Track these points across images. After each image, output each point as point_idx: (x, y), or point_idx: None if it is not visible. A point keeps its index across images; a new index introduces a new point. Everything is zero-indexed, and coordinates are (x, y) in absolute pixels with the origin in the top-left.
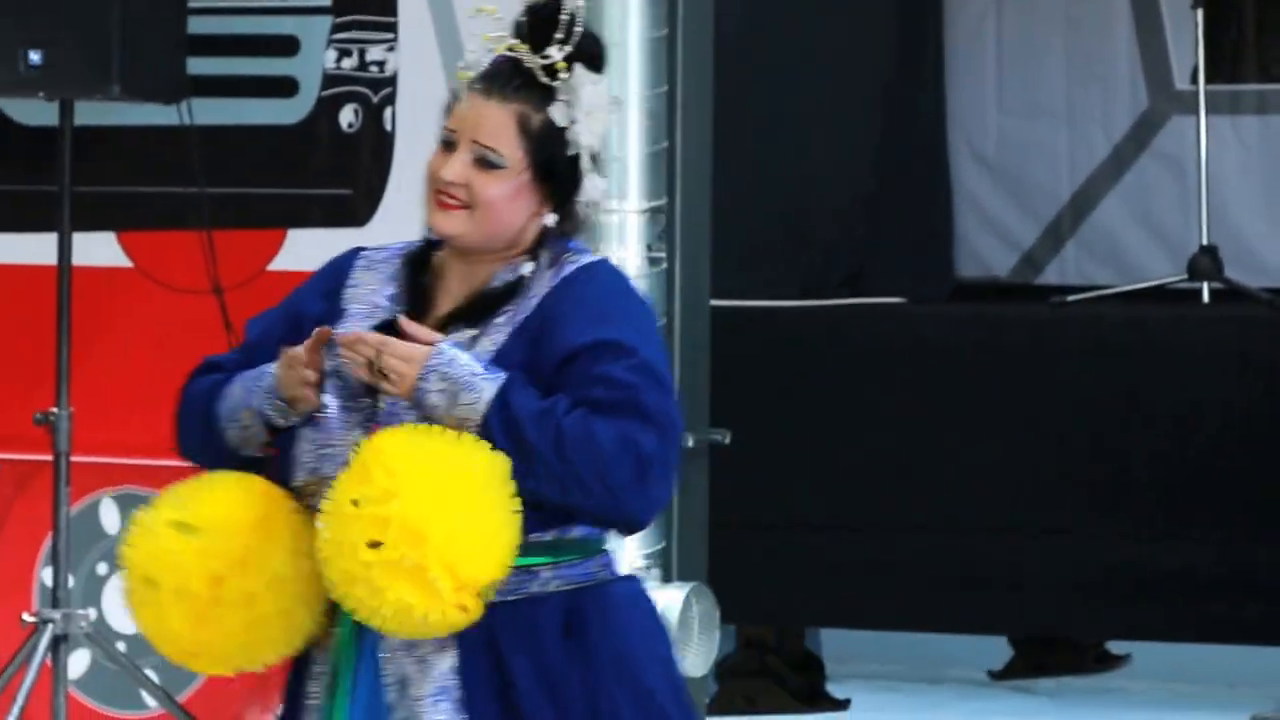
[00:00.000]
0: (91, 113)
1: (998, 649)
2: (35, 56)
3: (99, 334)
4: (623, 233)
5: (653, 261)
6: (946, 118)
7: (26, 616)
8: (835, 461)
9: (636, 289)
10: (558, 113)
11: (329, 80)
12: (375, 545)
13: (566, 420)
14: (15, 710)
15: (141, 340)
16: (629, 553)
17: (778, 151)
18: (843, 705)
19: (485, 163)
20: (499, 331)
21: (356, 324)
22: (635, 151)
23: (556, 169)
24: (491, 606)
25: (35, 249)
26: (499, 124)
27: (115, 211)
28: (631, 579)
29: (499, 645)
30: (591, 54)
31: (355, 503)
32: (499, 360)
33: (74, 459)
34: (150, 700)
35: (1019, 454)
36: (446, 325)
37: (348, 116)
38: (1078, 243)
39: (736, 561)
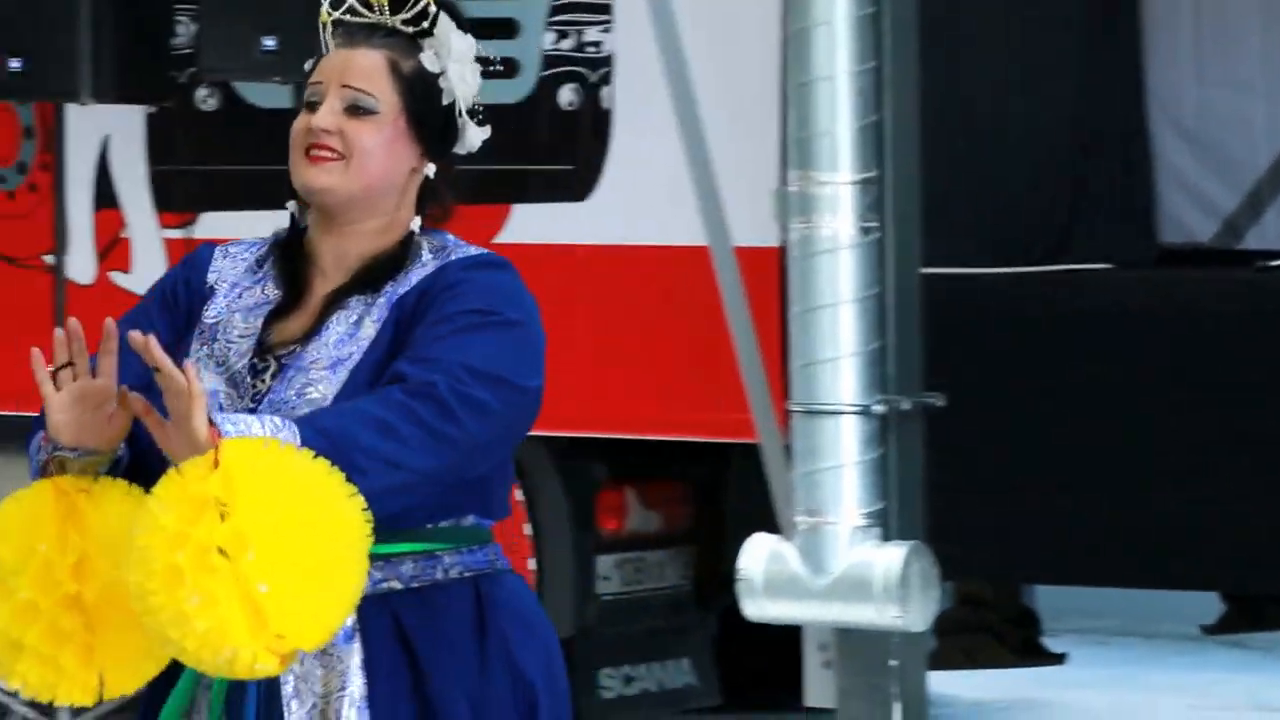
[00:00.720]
0: None
1: (1210, 604)
2: (269, 42)
3: None
4: (835, 204)
5: (865, 231)
6: (1145, 89)
7: None
8: (1047, 422)
9: (522, 287)
10: (428, 60)
11: (548, 60)
12: (221, 553)
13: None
14: None
15: None
16: (848, 513)
17: (981, 123)
18: (1058, 659)
19: (358, 108)
20: (378, 311)
21: (229, 302)
22: (846, 126)
23: (432, 116)
24: (397, 594)
25: (271, 225)
26: (369, 67)
27: None
28: (513, 571)
29: (409, 634)
30: (451, 8)
31: (222, 506)
32: (374, 348)
33: None
34: None
35: (1228, 414)
36: (332, 305)
37: (567, 95)
38: (1278, 210)
39: (954, 521)
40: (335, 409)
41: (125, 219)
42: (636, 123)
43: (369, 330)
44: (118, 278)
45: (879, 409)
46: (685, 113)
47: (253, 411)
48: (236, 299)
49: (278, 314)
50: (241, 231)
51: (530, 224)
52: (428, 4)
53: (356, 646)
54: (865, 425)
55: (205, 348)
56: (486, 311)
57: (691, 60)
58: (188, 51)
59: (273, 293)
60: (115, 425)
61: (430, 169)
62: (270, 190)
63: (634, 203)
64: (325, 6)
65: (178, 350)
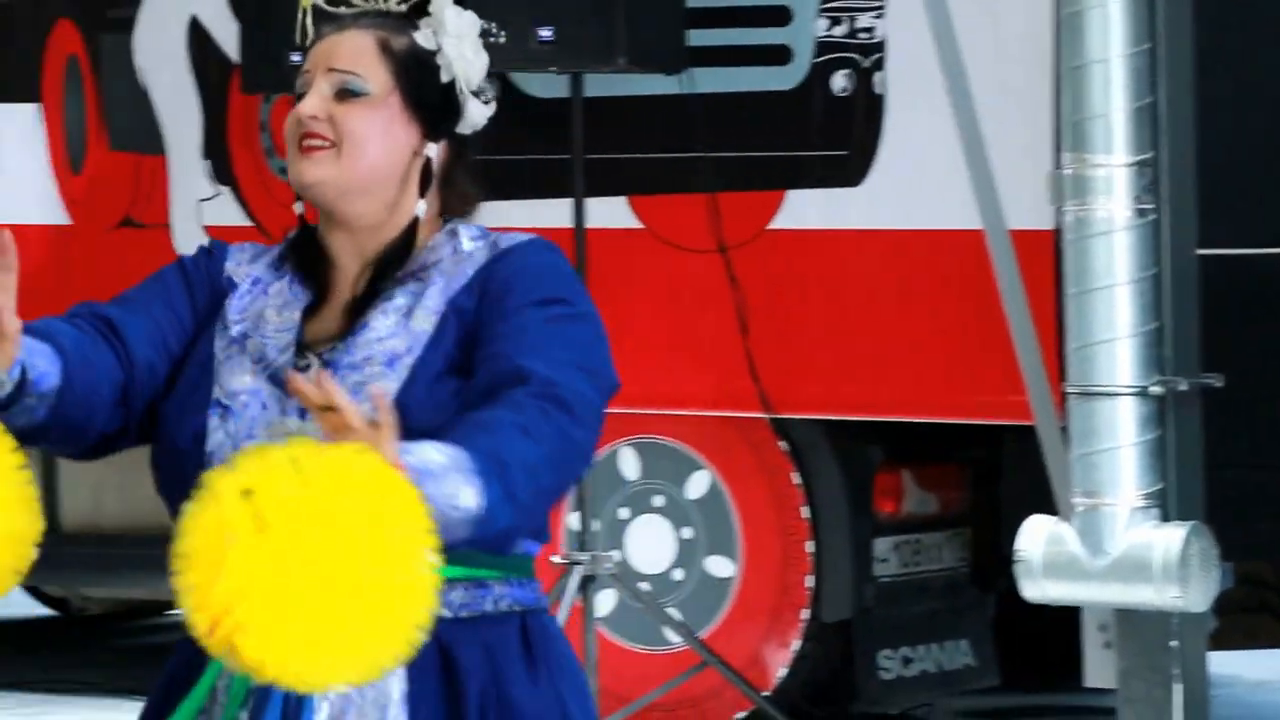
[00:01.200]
0: (599, 84)
1: None
2: (546, 33)
3: (613, 292)
4: (1110, 186)
5: (1141, 213)
6: None
7: (555, 559)
8: None
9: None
10: (423, 38)
11: (821, 47)
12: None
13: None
14: None
15: (653, 297)
16: (1126, 494)
17: (1260, 102)
18: None
19: (346, 92)
20: (432, 303)
21: (254, 297)
22: (1120, 108)
23: (429, 95)
24: (444, 623)
25: (552, 213)
26: (358, 48)
27: (625, 176)
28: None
29: (456, 666)
30: None
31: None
32: (436, 343)
33: None
34: (673, 637)
35: None
36: (366, 301)
37: (840, 81)
38: None
39: (1233, 500)
40: (473, 422)
41: None
42: (909, 108)
43: (424, 324)
44: None
45: (1156, 390)
46: (959, 97)
47: (303, 413)
48: (262, 294)
49: (307, 313)
50: (520, 219)
51: (805, 210)
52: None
53: (399, 677)
54: (1142, 406)
55: (236, 343)
56: (568, 302)
57: (964, 45)
58: None
59: (299, 290)
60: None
61: (432, 149)
62: (546, 179)
63: (908, 188)
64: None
65: (197, 336)
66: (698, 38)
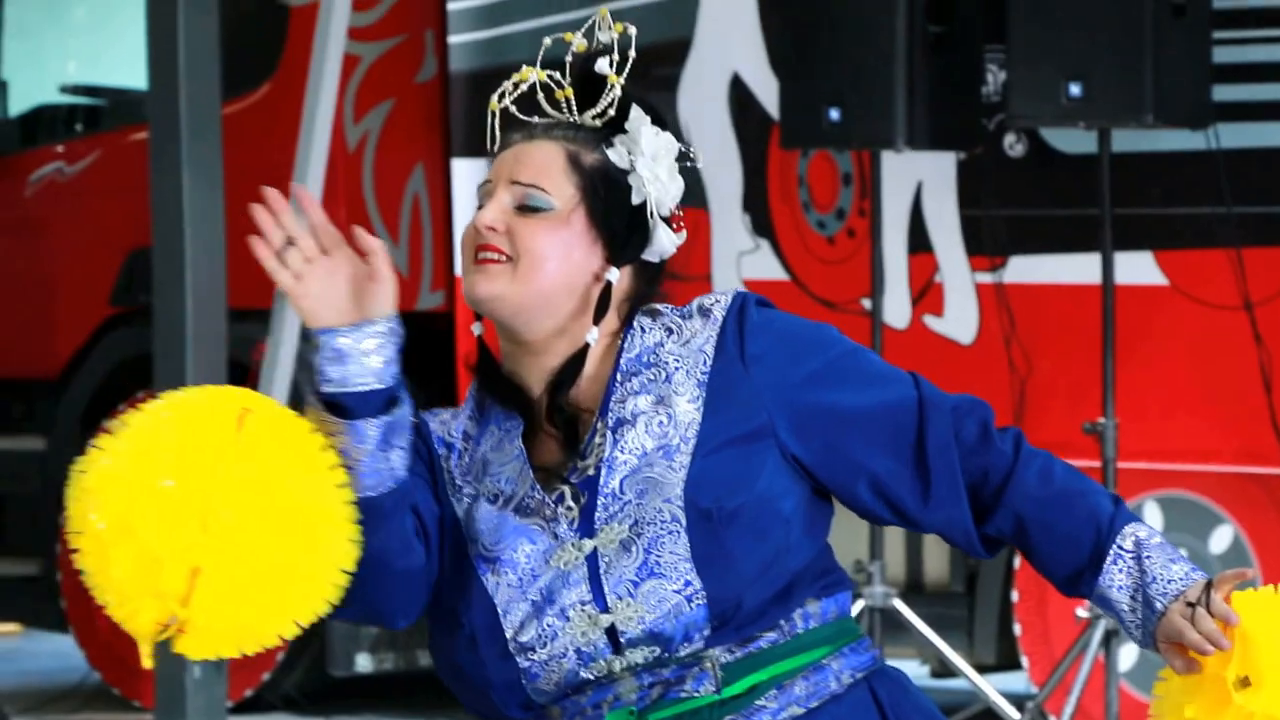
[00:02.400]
0: (1126, 140)
1: None
2: (1075, 89)
3: (1140, 348)
4: None
5: None
6: None
7: (1080, 612)
8: None
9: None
10: (615, 154)
11: None
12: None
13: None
14: (1071, 702)
15: (1178, 353)
16: None
17: None
18: None
19: (529, 207)
20: (685, 390)
21: (469, 447)
22: None
23: (617, 216)
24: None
25: (1080, 269)
26: (545, 160)
27: (1152, 232)
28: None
29: None
30: (648, 104)
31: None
32: (713, 422)
33: (1120, 465)
34: None
35: None
36: (573, 429)
37: None
38: None
39: None
40: (1029, 484)
41: (938, 263)
42: None
43: (688, 411)
44: (931, 321)
45: None
46: None
47: (586, 529)
48: (475, 444)
49: (526, 438)
50: (1048, 274)
51: None
52: (621, 96)
53: None
54: None
55: (471, 499)
56: (839, 352)
57: None
58: (996, 99)
59: (504, 420)
60: (373, 290)
61: (613, 274)
62: (1075, 234)
63: None
64: (495, 96)
65: (439, 502)
66: (1223, 93)
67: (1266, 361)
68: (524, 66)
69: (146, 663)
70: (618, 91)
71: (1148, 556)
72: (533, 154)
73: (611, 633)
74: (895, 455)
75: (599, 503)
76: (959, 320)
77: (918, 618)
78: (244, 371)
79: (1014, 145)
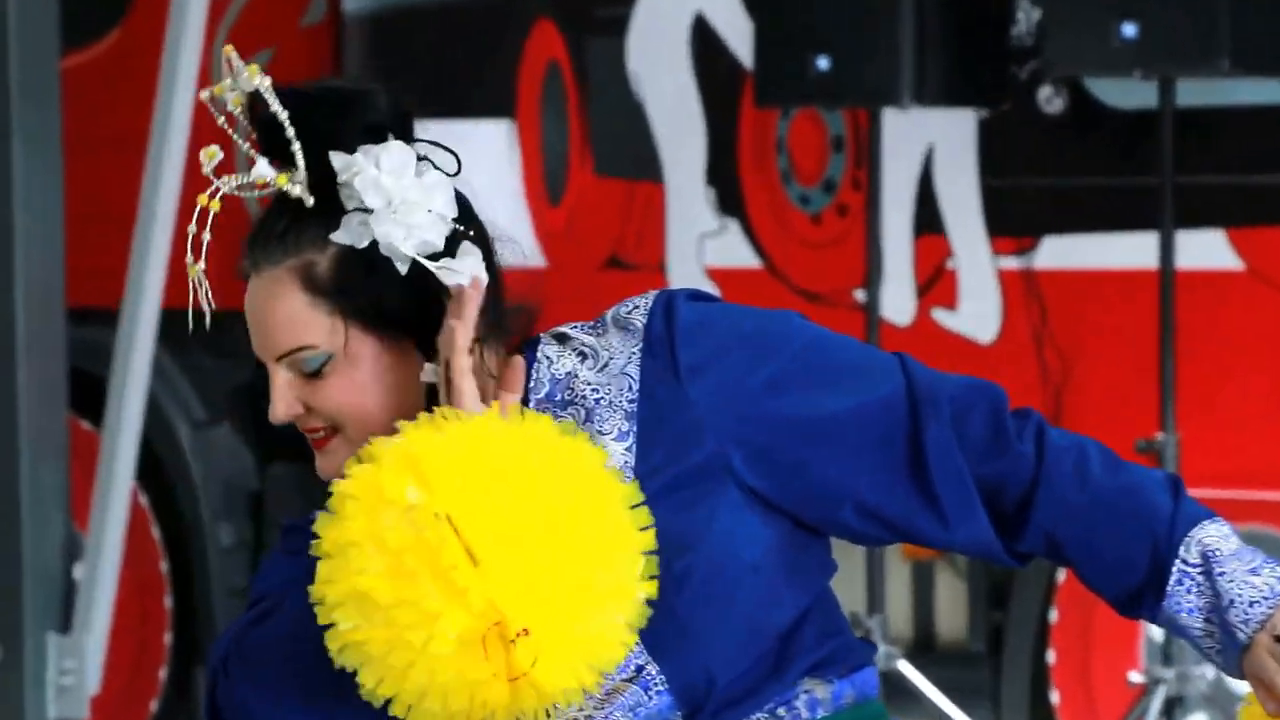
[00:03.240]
0: (1194, 92)
1: None
2: (1130, 29)
3: (1207, 348)
4: None
5: None
6: None
7: (1134, 676)
8: None
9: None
10: (346, 234)
11: None
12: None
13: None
14: None
15: (1254, 353)
16: None
17: None
18: None
19: (308, 373)
20: (614, 427)
21: None
22: None
23: (398, 303)
24: None
25: (1133, 250)
26: (285, 309)
27: (1223, 205)
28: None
29: None
30: (370, 127)
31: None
32: (643, 484)
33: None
34: None
35: None
36: None
37: None
38: None
39: None
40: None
41: (951, 245)
42: None
43: (615, 453)
44: (941, 316)
45: None
46: None
47: None
48: None
49: None
50: (1091, 257)
51: None
52: (305, 154)
53: None
54: None
55: None
56: (800, 353)
57: None
58: (1028, 44)
59: None
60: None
61: (429, 373)
62: (1126, 208)
63: None
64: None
65: None
66: None
67: None
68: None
69: None
70: (299, 159)
71: (1220, 572)
72: (270, 308)
73: None
74: (886, 468)
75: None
76: (977, 314)
77: (929, 684)
78: (88, 382)
79: (1050, 100)
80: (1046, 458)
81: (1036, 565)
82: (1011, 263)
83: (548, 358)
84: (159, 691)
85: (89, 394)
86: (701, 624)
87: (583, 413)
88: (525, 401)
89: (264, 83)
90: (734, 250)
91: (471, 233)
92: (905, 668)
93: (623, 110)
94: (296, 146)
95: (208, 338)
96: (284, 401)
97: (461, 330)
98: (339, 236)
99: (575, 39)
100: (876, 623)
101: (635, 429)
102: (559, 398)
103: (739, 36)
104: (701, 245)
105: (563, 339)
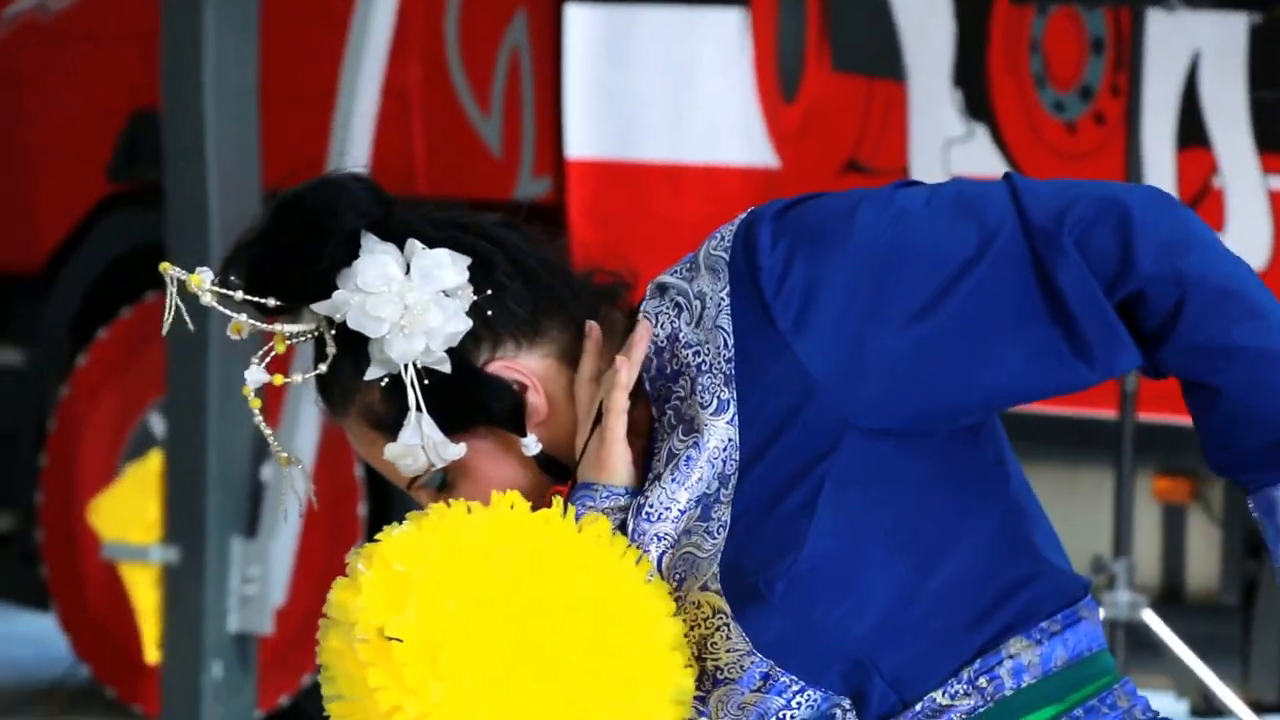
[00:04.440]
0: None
1: None
2: None
3: None
4: None
5: None
6: None
7: None
8: None
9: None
10: (378, 365)
11: None
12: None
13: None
14: None
15: None
16: None
17: None
18: None
19: (435, 487)
20: (707, 410)
21: None
22: None
23: (450, 400)
24: None
25: None
26: (374, 450)
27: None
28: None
29: None
30: (323, 276)
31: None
32: (751, 468)
33: None
34: None
35: None
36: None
37: None
38: None
39: None
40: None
41: (1217, 161)
42: None
43: (720, 431)
44: None
45: None
46: None
47: None
48: None
49: None
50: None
51: None
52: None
53: None
54: None
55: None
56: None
57: None
58: None
59: None
60: None
61: (531, 446)
62: None
63: None
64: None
65: None
66: None
67: None
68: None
69: (151, 656)
70: (293, 330)
71: None
72: (370, 454)
73: None
74: (1024, 339)
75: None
76: (1247, 238)
77: (1175, 636)
78: None
79: None
80: (1189, 287)
81: None
82: None
83: (650, 316)
84: None
85: None
86: (832, 620)
87: (689, 384)
88: (640, 384)
89: (206, 291)
90: (982, 158)
91: (505, 267)
92: (1150, 617)
93: (866, 1)
94: (280, 328)
95: None
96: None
97: (626, 370)
98: (372, 374)
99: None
100: (1122, 567)
101: (735, 397)
102: (667, 370)
103: None
104: (947, 151)
105: (662, 290)
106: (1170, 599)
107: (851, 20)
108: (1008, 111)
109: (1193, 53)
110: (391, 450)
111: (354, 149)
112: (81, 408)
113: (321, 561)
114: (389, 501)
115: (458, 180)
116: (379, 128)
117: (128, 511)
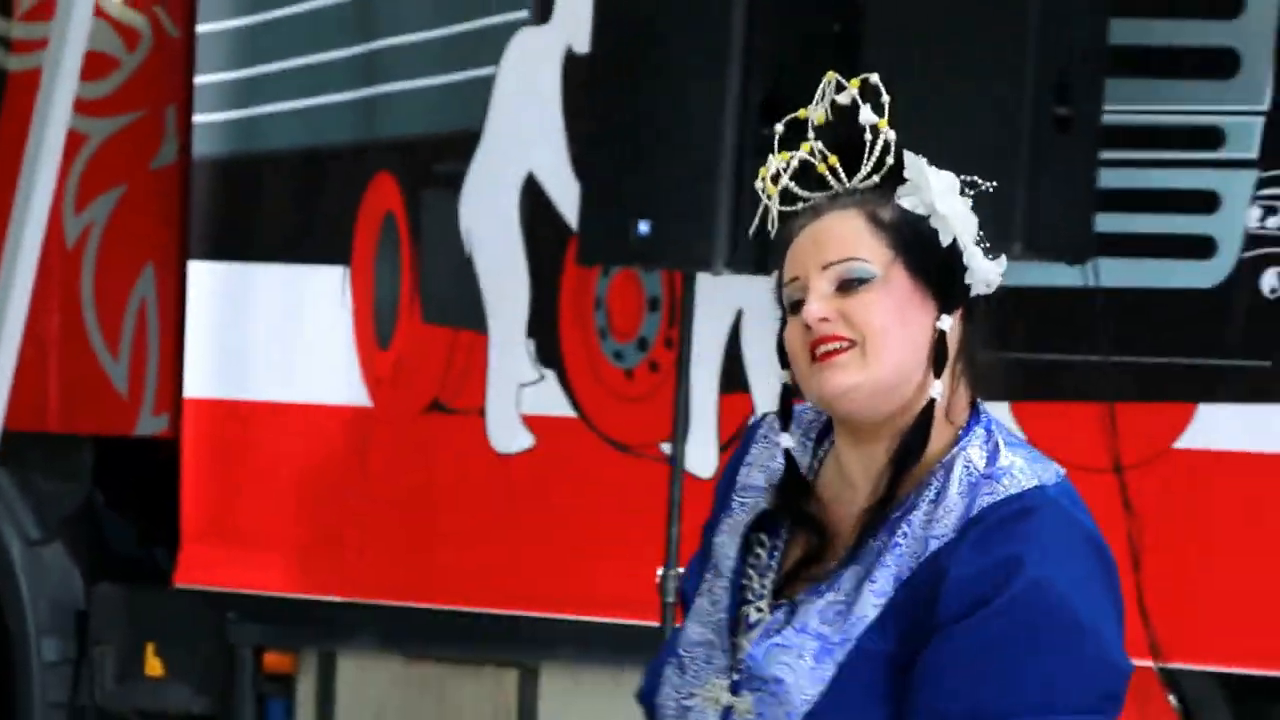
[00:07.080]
0: None
1: None
2: None
3: None
4: None
5: None
6: None
7: None
8: None
9: (1079, 537)
10: (909, 203)
11: (1251, 241)
12: None
13: None
14: None
15: None
16: None
17: None
18: None
19: (851, 280)
20: (883, 573)
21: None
22: None
23: (933, 263)
24: None
25: None
26: (847, 230)
27: (1009, 379)
28: None
29: None
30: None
31: None
32: (872, 638)
33: None
34: None
35: None
36: (867, 529)
37: (1270, 282)
38: None
39: None
40: None
41: (754, 405)
42: None
43: (867, 609)
44: None
45: None
46: None
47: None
48: (742, 510)
49: (788, 558)
50: None
51: (1217, 428)
52: (888, 145)
53: None
54: None
55: (708, 580)
56: (1032, 617)
57: None
58: None
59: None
60: None
61: (945, 322)
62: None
63: None
64: (764, 185)
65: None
66: (1107, 223)
67: (1136, 535)
68: (773, 151)
69: None
70: (890, 136)
71: None
72: (831, 228)
73: None
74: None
75: (746, 663)
76: None
77: None
78: None
79: None
80: None
81: None
82: None
83: (967, 464)
84: None
85: None
86: None
87: (889, 539)
88: (925, 478)
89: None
90: (549, 399)
91: (985, 244)
92: None
93: (452, 262)
94: (884, 130)
95: (44, 461)
96: (823, 301)
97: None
98: (904, 197)
99: (412, 192)
100: None
101: (892, 597)
102: (923, 498)
103: (567, 197)
104: (519, 394)
105: (988, 440)
106: None
107: (440, 277)
108: (574, 359)
109: (736, 310)
110: (873, 238)
111: None
112: None
113: None
114: (14, 709)
115: (85, 417)
116: (19, 372)
117: None
